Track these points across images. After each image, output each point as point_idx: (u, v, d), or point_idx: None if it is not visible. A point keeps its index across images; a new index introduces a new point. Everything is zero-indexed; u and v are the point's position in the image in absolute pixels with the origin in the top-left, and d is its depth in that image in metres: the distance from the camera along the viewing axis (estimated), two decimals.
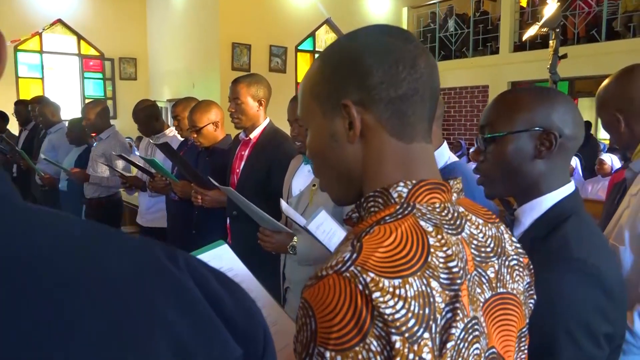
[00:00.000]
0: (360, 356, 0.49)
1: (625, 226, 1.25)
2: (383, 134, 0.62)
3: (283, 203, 1.69)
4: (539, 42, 7.81)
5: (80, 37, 9.67)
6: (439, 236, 0.56)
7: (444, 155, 1.55)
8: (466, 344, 0.55)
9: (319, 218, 1.35)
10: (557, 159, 0.95)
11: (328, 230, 1.37)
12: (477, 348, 0.57)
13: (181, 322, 0.32)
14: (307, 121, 0.67)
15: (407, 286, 0.51)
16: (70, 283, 0.30)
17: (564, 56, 4.36)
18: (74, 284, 0.30)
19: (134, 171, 3.43)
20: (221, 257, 0.95)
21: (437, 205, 0.60)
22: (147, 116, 3.28)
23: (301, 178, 1.93)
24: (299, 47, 9.37)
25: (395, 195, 0.60)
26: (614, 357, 0.87)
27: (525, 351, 0.69)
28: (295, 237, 1.74)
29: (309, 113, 0.67)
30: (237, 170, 2.42)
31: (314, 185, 1.82)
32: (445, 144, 1.56)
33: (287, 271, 1.92)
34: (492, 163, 0.98)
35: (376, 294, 0.50)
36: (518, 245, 0.70)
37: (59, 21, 9.32)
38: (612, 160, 5.02)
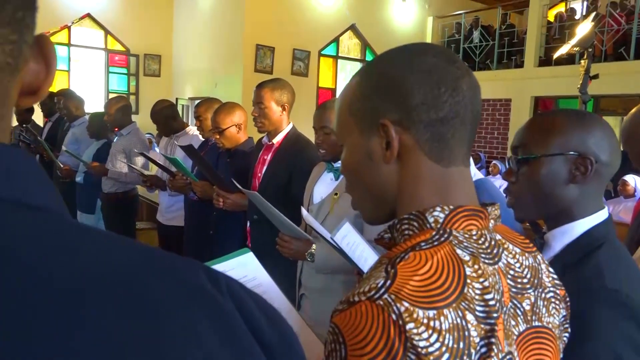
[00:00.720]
0: None
1: None
2: (421, 156, 0.60)
3: (304, 211, 1.68)
4: (564, 58, 7.71)
5: (107, 32, 9.82)
6: (476, 266, 0.55)
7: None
8: None
9: (343, 229, 1.35)
10: (591, 185, 0.93)
11: (352, 242, 1.36)
12: None
13: (220, 350, 0.32)
14: (343, 137, 0.66)
15: (442, 318, 0.50)
16: (111, 308, 0.29)
17: (596, 76, 4.28)
18: (115, 309, 0.29)
19: (153, 168, 3.45)
20: (246, 265, 0.95)
21: (474, 232, 0.58)
22: (165, 117, 3.31)
23: (323, 186, 1.93)
24: (322, 52, 9.39)
25: (431, 220, 0.58)
26: None
27: None
28: (313, 245, 1.73)
29: (346, 129, 0.65)
30: (259, 175, 2.42)
31: (335, 193, 1.82)
32: (471, 159, 1.54)
33: (304, 278, 1.91)
34: (524, 185, 0.96)
35: (410, 325, 0.48)
36: (555, 276, 0.68)
37: (88, 15, 9.47)
38: (635, 182, 4.93)
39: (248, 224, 2.46)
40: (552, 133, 0.93)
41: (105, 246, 0.33)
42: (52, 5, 8.98)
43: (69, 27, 9.38)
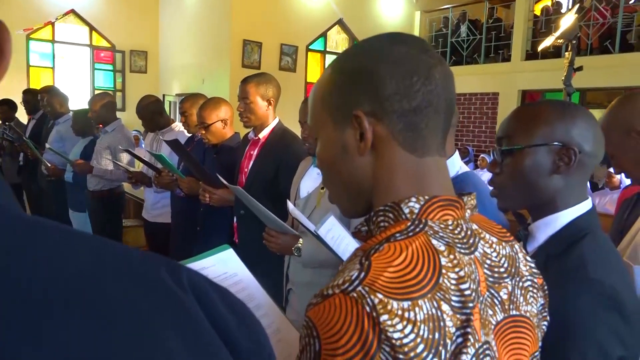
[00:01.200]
0: None
1: None
2: (395, 146, 0.60)
3: (290, 204, 1.67)
4: (551, 52, 7.77)
5: (92, 28, 9.70)
6: (451, 256, 0.54)
7: (455, 164, 1.53)
8: None
9: (328, 223, 1.34)
10: (575, 176, 0.93)
11: (337, 236, 1.35)
12: None
13: (180, 347, 0.30)
14: (318, 131, 0.65)
15: (417, 309, 0.49)
16: (61, 303, 0.28)
17: (580, 68, 4.32)
18: (65, 304, 0.28)
19: (139, 166, 3.42)
20: (226, 261, 0.94)
21: (450, 222, 0.58)
22: (151, 112, 3.27)
23: (310, 180, 1.92)
24: (310, 47, 9.36)
25: (406, 210, 0.57)
26: None
27: None
28: (300, 239, 1.72)
29: (320, 122, 0.65)
30: (245, 170, 2.40)
31: (322, 187, 1.81)
32: (457, 153, 1.53)
33: (291, 272, 1.90)
34: (508, 176, 0.96)
35: (384, 317, 0.48)
36: (532, 265, 0.68)
37: (72, 11, 9.35)
38: (621, 175, 4.99)
39: (235, 219, 2.44)
40: (536, 124, 0.93)
41: (56, 243, 0.31)
42: (35, 1, 8.85)
43: (52, 24, 9.25)
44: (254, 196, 1.76)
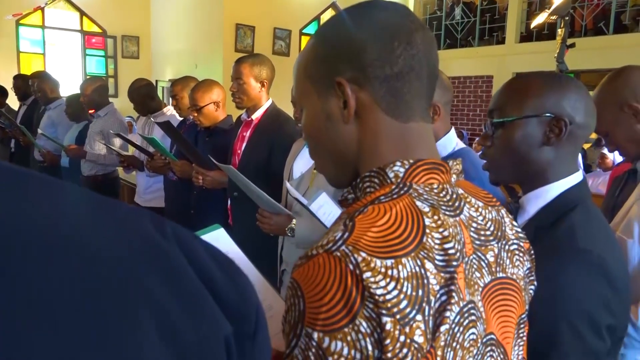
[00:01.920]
0: (349, 337, 0.48)
1: (634, 220, 1.23)
2: (378, 112, 0.60)
3: (287, 184, 1.67)
4: (545, 33, 7.74)
5: (83, 14, 9.57)
6: (436, 217, 0.55)
7: (452, 141, 1.53)
8: (461, 328, 0.54)
9: (320, 199, 1.34)
10: (566, 147, 0.93)
11: (329, 212, 1.35)
12: (473, 333, 0.56)
13: (167, 296, 0.30)
14: (302, 102, 0.66)
15: (400, 267, 0.50)
16: (43, 252, 0.27)
17: (572, 45, 4.31)
18: (48, 253, 0.28)
19: (132, 150, 3.40)
20: (217, 240, 0.94)
21: (435, 186, 0.58)
22: (143, 95, 3.24)
23: (303, 161, 1.91)
24: (303, 31, 9.28)
25: (391, 175, 0.58)
26: (615, 349, 0.85)
27: (524, 338, 0.68)
28: (294, 220, 1.72)
29: (304, 93, 0.65)
30: (239, 151, 2.40)
31: (315, 168, 1.81)
32: (453, 130, 1.53)
33: (285, 253, 1.91)
34: (499, 148, 0.96)
35: (367, 274, 0.48)
36: (519, 229, 0.68)
37: None
38: (614, 155, 5.00)
39: (229, 201, 2.44)
40: (527, 95, 0.92)
41: (34, 191, 0.31)
42: None
43: (42, 9, 9.12)
44: (248, 177, 1.76)
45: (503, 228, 0.65)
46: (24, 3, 8.61)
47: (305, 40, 9.38)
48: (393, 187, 0.57)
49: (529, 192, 0.95)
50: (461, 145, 1.53)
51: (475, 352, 0.56)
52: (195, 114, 2.58)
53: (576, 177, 0.94)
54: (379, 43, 0.58)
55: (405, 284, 0.49)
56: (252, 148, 2.32)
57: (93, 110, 3.65)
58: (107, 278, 0.29)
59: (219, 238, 0.97)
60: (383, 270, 0.49)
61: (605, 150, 5.14)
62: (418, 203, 0.55)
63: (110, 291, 0.29)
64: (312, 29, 9.45)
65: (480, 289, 0.59)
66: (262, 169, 2.22)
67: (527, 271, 0.68)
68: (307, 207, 1.37)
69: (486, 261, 0.61)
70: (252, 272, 0.97)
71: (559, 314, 0.78)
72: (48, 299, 0.26)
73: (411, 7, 10.10)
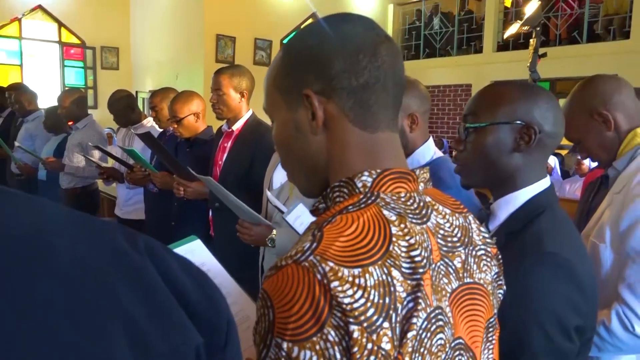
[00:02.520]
0: (317, 346, 0.48)
1: (606, 224, 1.26)
2: (346, 123, 0.61)
3: (268, 192, 1.68)
4: (521, 43, 7.89)
5: (61, 25, 9.48)
6: (402, 225, 0.56)
7: (430, 150, 1.55)
8: (429, 334, 0.55)
9: (297, 210, 1.36)
10: (534, 154, 0.96)
11: (306, 222, 1.37)
12: (441, 338, 0.57)
13: (137, 307, 0.31)
14: (272, 113, 0.67)
15: (367, 275, 0.51)
16: (16, 263, 0.28)
17: (544, 55, 4.42)
18: (20, 264, 0.28)
19: (111, 162, 3.37)
20: (193, 252, 0.95)
21: (403, 194, 0.60)
22: (123, 107, 3.23)
23: (282, 172, 1.92)
24: (284, 41, 9.32)
25: (359, 184, 0.59)
26: (584, 351, 0.88)
27: (493, 342, 0.69)
28: (274, 230, 1.73)
29: (273, 105, 0.66)
30: (220, 162, 2.40)
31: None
32: (431, 139, 1.56)
33: (266, 264, 1.91)
34: (471, 152, 0.99)
35: (335, 283, 0.49)
36: (486, 235, 0.70)
37: (39, 7, 9.12)
38: (589, 161, 5.11)
39: (210, 212, 2.44)
40: (500, 102, 0.96)
41: (16, 204, 0.32)
42: None
43: (19, 20, 9.01)
44: (228, 188, 1.76)
45: (470, 234, 0.66)
46: (0, 14, 8.51)
47: None
48: (361, 196, 0.58)
49: (500, 199, 0.98)
50: (439, 154, 1.56)
51: (443, 356, 0.57)
52: (175, 126, 2.57)
53: (544, 183, 0.97)
54: (344, 55, 0.60)
55: (372, 292, 0.50)
56: (233, 159, 2.32)
57: (72, 122, 3.61)
58: (78, 289, 0.30)
59: (195, 249, 0.98)
60: (350, 279, 0.50)
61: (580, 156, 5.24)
62: (385, 212, 0.56)
63: (81, 302, 0.29)
64: None
65: (448, 295, 0.60)
66: (243, 179, 2.22)
67: (495, 276, 0.69)
68: (284, 218, 1.38)
69: (453, 267, 0.62)
70: (229, 283, 0.97)
71: (527, 316, 0.81)
72: (19, 308, 0.27)
73: (390, 17, 10.23)
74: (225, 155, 2.37)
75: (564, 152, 6.43)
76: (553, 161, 5.70)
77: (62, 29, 9.54)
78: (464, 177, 1.03)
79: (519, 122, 0.94)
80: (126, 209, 3.30)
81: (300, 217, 1.37)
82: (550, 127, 0.95)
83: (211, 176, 2.36)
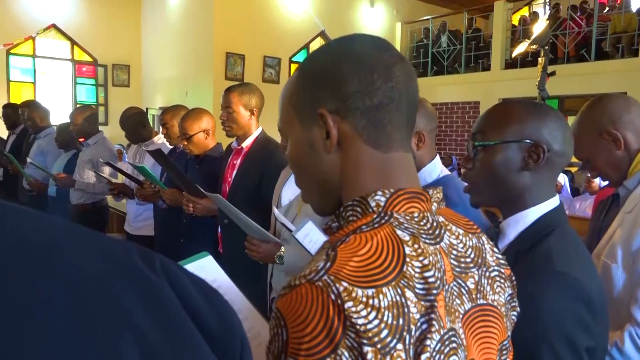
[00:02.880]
0: None
1: (618, 244, 1.25)
2: (360, 143, 0.62)
3: (275, 210, 1.69)
4: (529, 60, 7.92)
5: (74, 43, 9.65)
6: (416, 245, 0.56)
7: (437, 168, 1.55)
8: (442, 356, 0.54)
9: (306, 228, 1.36)
10: (543, 173, 0.96)
11: (315, 240, 1.37)
12: None
13: (151, 326, 0.31)
14: (287, 131, 0.68)
15: (381, 296, 0.50)
16: (31, 280, 0.29)
17: (552, 73, 4.44)
18: (34, 281, 0.29)
19: (121, 178, 3.40)
20: (204, 268, 0.95)
21: (416, 214, 0.60)
22: (135, 123, 3.26)
23: (291, 188, 1.93)
24: (292, 59, 9.42)
25: (373, 204, 0.59)
26: None
27: None
28: (282, 247, 1.73)
29: (288, 123, 0.67)
30: (229, 179, 2.41)
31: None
32: (438, 157, 1.56)
33: (274, 281, 1.91)
34: (480, 171, 0.99)
35: (349, 304, 0.49)
36: (500, 256, 0.69)
37: (53, 26, 9.30)
38: (600, 179, 5.07)
39: (219, 229, 2.44)
40: (509, 121, 0.96)
41: (31, 222, 0.32)
42: (15, 15, 8.79)
43: (33, 38, 9.19)
44: (238, 205, 1.77)
45: (484, 255, 0.66)
46: (15, 32, 8.68)
47: (294, 68, 9.50)
48: (374, 216, 0.58)
49: (509, 217, 0.98)
50: (446, 172, 1.56)
51: None
52: (185, 143, 2.60)
53: (553, 202, 0.97)
54: (359, 75, 0.61)
55: (386, 313, 0.50)
56: (243, 176, 2.34)
57: (83, 139, 3.66)
58: (94, 308, 0.30)
59: (206, 266, 0.98)
60: (364, 299, 0.50)
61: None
62: (398, 232, 0.56)
63: (96, 320, 0.30)
64: (301, 57, 9.59)
65: (461, 316, 0.59)
66: (252, 196, 2.23)
67: (509, 297, 0.69)
68: (294, 235, 1.38)
69: (466, 288, 0.61)
70: (240, 299, 0.97)
71: (538, 336, 0.80)
72: (32, 320, 0.27)
73: (398, 35, 10.31)
74: (234, 172, 2.39)
75: (573, 170, 6.40)
76: (563, 179, 5.66)
77: (75, 47, 9.71)
78: (473, 196, 1.03)
79: (527, 140, 0.94)
80: (136, 225, 3.32)
81: (309, 234, 1.37)
82: (559, 146, 0.95)
83: (220, 193, 2.37)
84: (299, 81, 0.66)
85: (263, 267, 1.94)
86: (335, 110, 0.62)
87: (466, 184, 1.05)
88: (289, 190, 1.94)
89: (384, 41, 0.66)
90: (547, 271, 0.84)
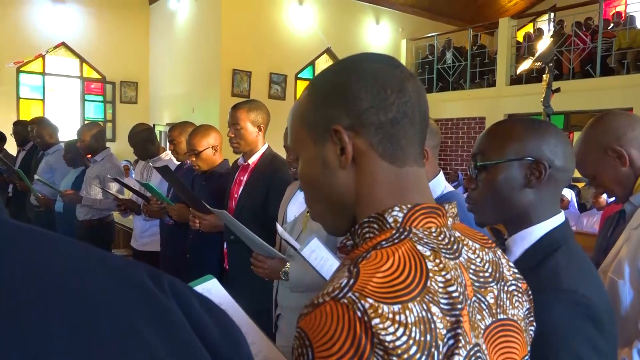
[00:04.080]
0: None
1: (624, 260, 1.24)
2: (375, 158, 0.62)
3: (279, 227, 1.69)
4: (534, 76, 7.94)
5: (83, 60, 9.79)
6: (437, 260, 0.55)
7: (440, 184, 1.56)
8: None
9: (312, 244, 1.36)
10: (546, 190, 0.96)
11: (320, 257, 1.37)
12: None
13: (160, 345, 0.32)
14: (298, 150, 0.67)
15: (407, 312, 0.50)
16: (43, 299, 0.29)
17: (557, 90, 4.45)
18: (47, 300, 0.30)
19: (128, 194, 3.42)
20: (210, 291, 0.95)
21: (434, 229, 0.59)
22: (143, 140, 3.29)
23: (296, 205, 1.94)
24: (298, 75, 9.49)
25: (390, 220, 0.59)
26: None
27: None
28: (288, 263, 1.73)
29: (300, 142, 0.66)
30: (236, 195, 2.42)
31: (308, 212, 1.83)
32: (441, 173, 1.57)
33: (280, 298, 1.90)
34: (483, 191, 0.99)
35: (376, 321, 0.48)
36: (516, 270, 0.69)
37: (63, 44, 9.44)
38: (606, 194, 5.03)
39: (225, 245, 2.45)
40: (508, 140, 0.97)
41: (43, 244, 0.33)
42: (26, 34, 8.94)
43: (43, 56, 9.32)
44: (244, 222, 1.78)
45: (501, 269, 0.66)
46: (25, 50, 8.81)
47: (300, 84, 9.57)
48: (393, 232, 0.58)
49: (515, 234, 0.98)
50: (450, 188, 1.56)
51: None
52: (194, 159, 2.62)
53: (559, 219, 0.97)
54: (372, 91, 0.61)
55: (414, 329, 0.49)
56: (249, 192, 2.35)
57: (90, 155, 3.69)
58: (109, 329, 0.31)
59: (211, 289, 0.98)
60: (391, 316, 0.49)
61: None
62: (419, 247, 0.56)
63: (111, 341, 0.30)
64: (307, 74, 9.66)
65: (482, 331, 0.59)
66: (258, 212, 2.24)
67: (527, 312, 0.68)
68: (299, 252, 1.38)
69: (486, 303, 0.61)
70: (247, 323, 0.97)
71: (547, 355, 0.79)
72: (47, 339, 0.28)
73: (403, 52, 10.38)
74: (241, 188, 2.40)
75: (580, 185, 6.36)
76: (569, 194, 5.63)
77: (84, 64, 9.84)
78: (477, 215, 1.03)
79: (529, 158, 0.94)
80: (142, 241, 3.33)
81: (316, 251, 1.38)
82: (560, 162, 0.95)
83: (227, 209, 2.38)
84: (310, 99, 0.65)
85: (268, 283, 1.93)
86: (349, 126, 0.61)
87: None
88: (294, 207, 1.95)
89: (393, 59, 0.66)
90: (554, 289, 0.83)
